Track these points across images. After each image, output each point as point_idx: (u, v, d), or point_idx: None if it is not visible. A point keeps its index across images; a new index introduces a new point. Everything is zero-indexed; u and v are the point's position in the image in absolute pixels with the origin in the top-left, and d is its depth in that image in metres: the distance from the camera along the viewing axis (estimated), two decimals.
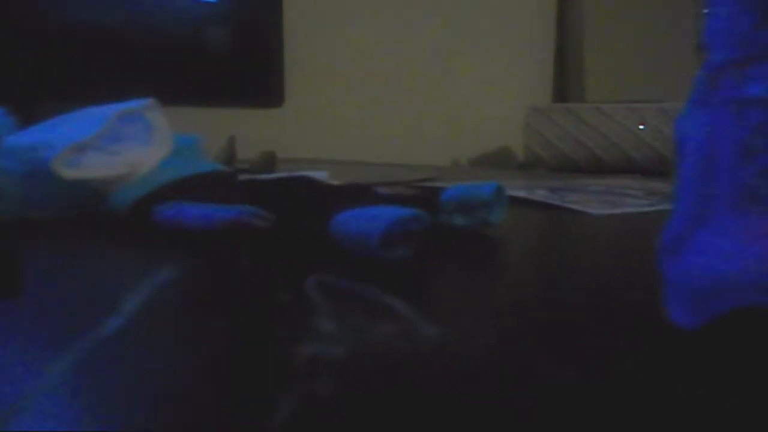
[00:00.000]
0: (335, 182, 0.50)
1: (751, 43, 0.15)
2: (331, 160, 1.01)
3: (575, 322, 0.20)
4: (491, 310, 0.22)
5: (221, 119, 0.89)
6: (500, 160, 1.41)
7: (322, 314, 0.20)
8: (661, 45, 1.48)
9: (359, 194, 0.36)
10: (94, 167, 0.40)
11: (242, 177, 0.48)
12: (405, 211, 0.27)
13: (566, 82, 1.53)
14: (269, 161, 0.73)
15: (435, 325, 0.19)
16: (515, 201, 0.48)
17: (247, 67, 0.91)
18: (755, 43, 0.15)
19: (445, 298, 0.24)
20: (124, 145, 0.42)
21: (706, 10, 0.17)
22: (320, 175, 0.48)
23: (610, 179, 0.73)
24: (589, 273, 0.29)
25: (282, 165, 0.81)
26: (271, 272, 0.27)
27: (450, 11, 1.32)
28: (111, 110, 0.42)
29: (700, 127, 0.16)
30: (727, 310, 0.16)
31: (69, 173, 0.38)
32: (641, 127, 1.10)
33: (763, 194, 0.15)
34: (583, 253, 0.34)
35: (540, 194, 0.53)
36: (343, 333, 0.18)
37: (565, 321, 0.21)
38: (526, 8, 1.47)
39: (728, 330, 0.16)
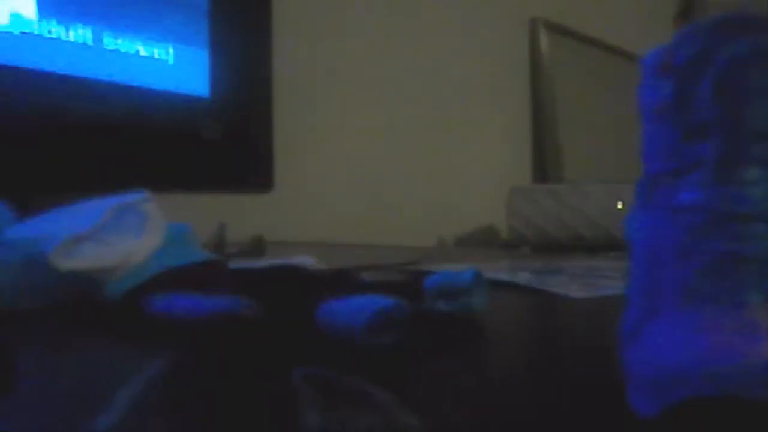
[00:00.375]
0: (321, 268, 0.51)
1: (679, 156, 0.18)
2: (319, 243, 1.03)
3: (555, 411, 0.21)
4: (473, 399, 0.23)
5: (212, 204, 0.91)
6: (485, 238, 1.44)
7: (308, 406, 0.21)
8: (632, 124, 1.57)
9: (344, 282, 0.38)
10: (90, 258, 0.41)
11: (232, 265, 0.50)
12: (388, 302, 0.28)
13: (545, 163, 1.60)
14: (258, 246, 0.75)
15: (416, 415, 0.20)
16: (498, 285, 0.50)
17: (237, 155, 0.94)
18: (682, 156, 0.18)
19: (428, 387, 0.25)
20: (119, 235, 0.44)
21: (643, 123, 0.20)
22: (306, 261, 0.50)
23: (590, 260, 0.75)
24: (568, 359, 0.30)
25: (271, 248, 0.83)
26: (259, 363, 0.28)
27: (432, 98, 1.40)
28: (108, 203, 0.44)
29: (644, 229, 0.19)
30: (682, 399, 0.17)
31: (65, 264, 0.40)
32: (619, 206, 1.14)
33: (703, 291, 0.17)
34: (564, 339, 0.36)
35: (522, 278, 0.55)
36: (328, 425, 0.19)
37: (546, 409, 0.22)
38: (503, 91, 1.57)
39: (683, 419, 0.17)
